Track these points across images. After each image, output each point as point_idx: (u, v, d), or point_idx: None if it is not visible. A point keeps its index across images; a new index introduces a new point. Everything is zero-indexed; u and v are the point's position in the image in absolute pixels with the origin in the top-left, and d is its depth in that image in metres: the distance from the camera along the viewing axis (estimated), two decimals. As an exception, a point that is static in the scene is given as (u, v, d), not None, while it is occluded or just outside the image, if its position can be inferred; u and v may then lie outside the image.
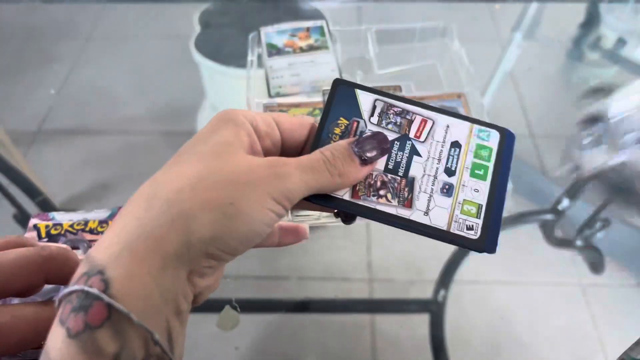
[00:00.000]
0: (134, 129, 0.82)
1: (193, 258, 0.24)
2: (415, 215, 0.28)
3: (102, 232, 0.40)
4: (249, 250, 0.26)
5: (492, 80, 0.87)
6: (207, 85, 0.83)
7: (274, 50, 0.62)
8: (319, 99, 0.56)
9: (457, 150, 0.30)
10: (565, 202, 0.69)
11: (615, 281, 0.63)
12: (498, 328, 0.58)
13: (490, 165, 0.30)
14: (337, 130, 0.30)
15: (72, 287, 0.23)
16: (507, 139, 0.31)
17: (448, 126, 0.31)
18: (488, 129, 0.31)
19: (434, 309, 0.60)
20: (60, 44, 0.97)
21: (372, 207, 0.28)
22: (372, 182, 0.29)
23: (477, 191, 0.29)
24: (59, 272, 0.30)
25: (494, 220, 0.28)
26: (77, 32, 0.99)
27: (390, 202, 0.29)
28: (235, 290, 0.55)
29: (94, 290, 0.22)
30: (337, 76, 0.59)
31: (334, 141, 0.29)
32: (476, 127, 0.31)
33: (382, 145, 0.29)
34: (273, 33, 0.64)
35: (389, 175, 0.29)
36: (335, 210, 0.30)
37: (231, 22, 0.86)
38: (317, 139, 0.30)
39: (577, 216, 0.69)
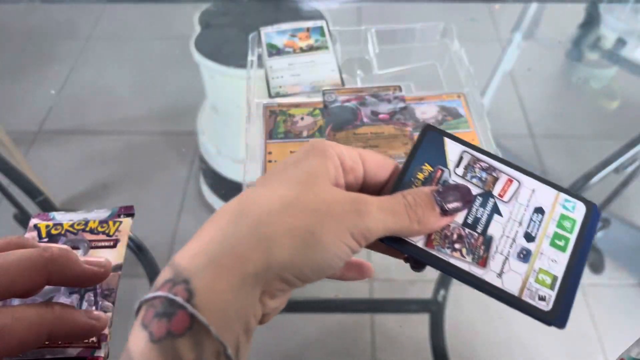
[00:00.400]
0: (134, 129, 0.82)
1: (269, 280, 0.24)
2: (488, 275, 0.28)
3: (102, 232, 0.40)
4: None
5: (492, 80, 0.87)
6: (207, 86, 0.83)
7: (274, 51, 0.62)
8: (318, 99, 0.56)
9: (540, 216, 0.29)
10: (565, 202, 0.69)
11: (615, 281, 0.63)
12: (498, 328, 0.58)
13: (572, 237, 0.29)
14: (420, 176, 0.30)
15: (156, 292, 0.23)
16: (592, 213, 0.30)
17: (534, 190, 0.30)
18: (575, 200, 0.30)
19: (434, 309, 0.60)
20: (60, 44, 0.97)
21: (445, 259, 0.28)
22: (448, 233, 0.29)
23: (555, 262, 0.28)
24: (61, 273, 0.30)
25: (568, 294, 0.28)
26: (77, 33, 0.99)
27: (464, 257, 0.28)
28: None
29: (179, 299, 0.23)
30: (337, 76, 0.59)
31: (416, 186, 0.29)
32: (563, 196, 0.30)
33: (465, 198, 0.29)
34: (273, 33, 0.64)
35: (467, 230, 0.29)
36: (406, 256, 0.30)
37: (231, 23, 0.86)
38: (399, 181, 0.30)
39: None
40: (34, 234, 0.40)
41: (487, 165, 0.30)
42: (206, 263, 0.24)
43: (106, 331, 0.34)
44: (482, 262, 0.28)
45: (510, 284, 0.28)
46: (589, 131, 0.81)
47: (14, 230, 0.62)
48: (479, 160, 0.31)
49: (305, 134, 0.53)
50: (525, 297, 0.27)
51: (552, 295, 0.27)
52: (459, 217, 0.29)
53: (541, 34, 0.95)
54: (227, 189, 0.75)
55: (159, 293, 0.23)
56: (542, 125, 0.82)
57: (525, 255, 0.28)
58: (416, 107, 0.55)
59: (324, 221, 0.25)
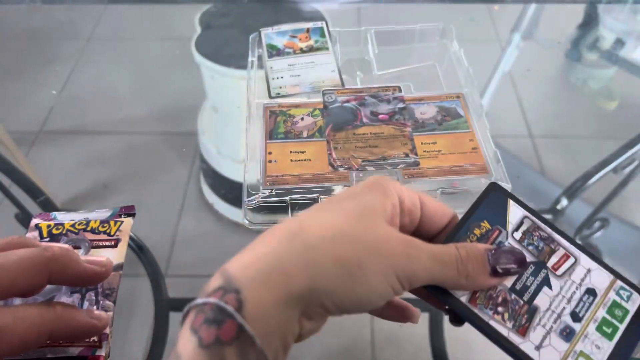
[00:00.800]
0: (134, 129, 0.82)
1: (309, 303, 0.25)
2: (525, 345, 0.27)
3: (103, 232, 0.40)
4: None
5: (491, 80, 0.87)
6: (207, 86, 0.83)
7: (274, 51, 0.62)
8: (318, 99, 0.57)
9: (592, 298, 0.29)
10: (563, 202, 0.69)
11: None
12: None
13: (622, 327, 0.28)
14: (477, 232, 0.30)
15: (207, 298, 0.24)
16: None
17: (589, 270, 0.30)
18: (631, 290, 0.30)
19: (434, 308, 0.60)
20: (61, 45, 0.97)
21: (485, 320, 0.28)
22: (494, 295, 0.28)
23: (599, 348, 0.28)
24: (62, 272, 0.31)
25: None
26: (78, 33, 0.99)
27: (505, 322, 0.28)
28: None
29: (230, 308, 0.23)
30: (337, 77, 0.59)
31: (471, 241, 0.29)
32: (619, 283, 0.30)
33: (519, 264, 0.29)
34: (273, 34, 0.64)
35: (513, 296, 0.29)
36: (447, 308, 0.30)
37: (232, 24, 0.86)
38: (454, 232, 0.30)
39: (575, 216, 0.69)
40: (35, 233, 0.40)
41: (547, 236, 0.30)
42: (255, 276, 0.24)
43: (107, 330, 0.34)
44: (523, 330, 0.28)
45: None
46: (588, 131, 0.81)
47: (16, 230, 0.62)
48: (539, 228, 0.30)
49: (305, 134, 0.53)
50: None
51: None
52: (508, 281, 0.29)
53: (540, 35, 0.95)
54: (228, 189, 0.75)
55: (210, 299, 0.24)
56: (541, 126, 0.82)
57: (568, 334, 0.28)
58: (415, 107, 0.55)
59: (371, 257, 0.25)
